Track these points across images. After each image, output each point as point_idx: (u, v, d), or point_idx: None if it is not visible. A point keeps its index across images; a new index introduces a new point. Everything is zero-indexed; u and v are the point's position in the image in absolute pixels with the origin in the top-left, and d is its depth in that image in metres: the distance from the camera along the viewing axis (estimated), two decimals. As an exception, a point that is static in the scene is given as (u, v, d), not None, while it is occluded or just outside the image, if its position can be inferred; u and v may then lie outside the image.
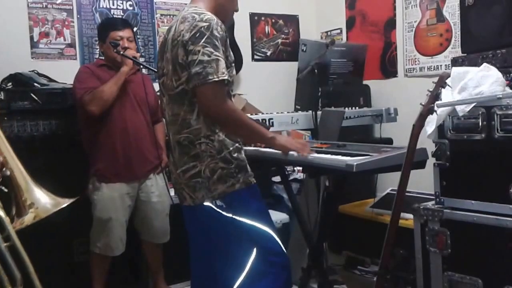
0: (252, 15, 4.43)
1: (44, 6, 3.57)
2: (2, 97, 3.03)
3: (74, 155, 3.01)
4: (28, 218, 1.22)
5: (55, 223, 2.82)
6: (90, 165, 2.96)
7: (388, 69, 4.07)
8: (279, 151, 2.18)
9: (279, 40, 4.61)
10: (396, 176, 1.97)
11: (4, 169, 1.21)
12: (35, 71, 3.31)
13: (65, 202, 1.25)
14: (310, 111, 3.18)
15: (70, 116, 3.08)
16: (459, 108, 2.03)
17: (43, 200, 1.25)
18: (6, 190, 1.22)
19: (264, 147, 2.37)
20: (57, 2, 3.62)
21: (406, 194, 2.02)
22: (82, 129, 3.00)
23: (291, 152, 2.14)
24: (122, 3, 3.87)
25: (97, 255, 2.97)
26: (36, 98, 3.05)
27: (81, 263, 3.09)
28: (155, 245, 3.17)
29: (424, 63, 3.77)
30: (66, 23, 3.66)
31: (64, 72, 3.36)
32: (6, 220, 1.24)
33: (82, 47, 3.72)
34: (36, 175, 1.34)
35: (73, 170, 2.97)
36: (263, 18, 4.51)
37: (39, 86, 3.14)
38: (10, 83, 3.11)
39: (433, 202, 2.22)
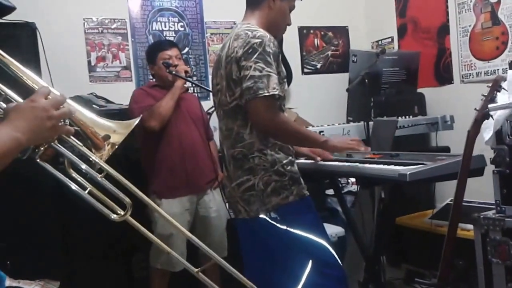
0: (300, 29, 4.46)
1: (100, 31, 3.74)
2: (63, 120, 3.18)
3: (132, 173, 3.09)
4: (107, 150, 1.30)
5: (115, 239, 2.98)
6: (149, 183, 3.03)
7: (443, 76, 3.97)
8: (332, 163, 2.17)
9: (329, 52, 4.60)
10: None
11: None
12: (94, 94, 3.46)
13: (134, 122, 1.33)
14: (362, 122, 3.14)
15: (126, 135, 3.18)
16: (517, 112, 1.96)
17: (113, 128, 1.33)
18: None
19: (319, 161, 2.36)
20: (112, 27, 3.78)
21: (466, 203, 1.96)
22: (141, 148, 3.08)
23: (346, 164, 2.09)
24: (174, 25, 3.99)
25: (158, 271, 3.02)
26: (95, 120, 3.17)
27: (141, 278, 3.16)
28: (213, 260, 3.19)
29: (480, 68, 3.65)
30: (121, 46, 3.81)
31: (120, 94, 3.48)
32: (89, 153, 1.29)
33: (137, 69, 3.85)
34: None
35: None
36: (312, 31, 4.52)
37: (97, 107, 3.26)
38: (70, 106, 3.26)
39: (494, 211, 2.14)
